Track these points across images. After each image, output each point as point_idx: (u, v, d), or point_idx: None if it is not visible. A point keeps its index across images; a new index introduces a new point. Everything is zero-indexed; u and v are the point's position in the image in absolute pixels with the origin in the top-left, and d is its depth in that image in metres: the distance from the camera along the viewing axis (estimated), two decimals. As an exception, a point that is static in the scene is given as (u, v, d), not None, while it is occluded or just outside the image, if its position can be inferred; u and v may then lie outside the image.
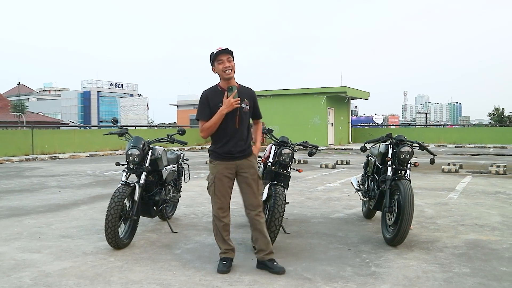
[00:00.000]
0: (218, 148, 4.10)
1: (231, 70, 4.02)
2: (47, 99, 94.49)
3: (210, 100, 4.07)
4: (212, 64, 4.09)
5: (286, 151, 4.98)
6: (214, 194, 4.12)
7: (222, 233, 4.14)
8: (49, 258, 4.44)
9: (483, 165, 14.09)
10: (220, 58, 4.01)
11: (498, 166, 12.41)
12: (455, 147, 25.09)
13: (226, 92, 4.01)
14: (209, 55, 4.10)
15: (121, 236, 4.72)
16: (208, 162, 4.28)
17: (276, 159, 5.01)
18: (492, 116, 64.78)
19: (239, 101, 4.00)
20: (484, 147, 24.47)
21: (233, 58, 4.07)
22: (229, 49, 4.03)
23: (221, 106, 3.99)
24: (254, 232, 4.21)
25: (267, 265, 4.06)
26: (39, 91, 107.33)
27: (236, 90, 3.99)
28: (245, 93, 4.14)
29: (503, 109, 65.13)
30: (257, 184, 4.16)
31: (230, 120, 4.04)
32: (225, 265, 4.04)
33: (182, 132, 5.45)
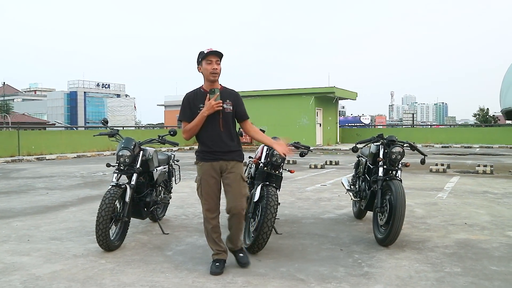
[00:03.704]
0: (203, 149, 4.12)
1: (217, 74, 4.03)
2: (33, 99, 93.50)
3: (191, 102, 4.09)
4: (199, 63, 4.07)
5: (277, 151, 4.96)
6: (201, 196, 4.12)
7: (212, 235, 4.13)
8: (38, 261, 4.38)
9: (470, 165, 14.23)
10: (210, 58, 4.00)
11: (485, 165, 12.55)
12: (442, 147, 25.33)
13: (208, 94, 3.99)
14: (198, 54, 4.07)
15: (112, 238, 4.68)
16: (195, 163, 4.27)
17: (268, 159, 5.00)
18: (477, 116, 65.59)
19: (221, 104, 3.99)
20: (470, 147, 24.74)
21: (220, 62, 4.06)
22: (221, 52, 4.02)
23: (202, 108, 3.99)
24: (230, 227, 4.21)
25: (235, 256, 4.24)
26: (25, 91, 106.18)
27: (218, 93, 3.96)
28: (228, 93, 4.13)
29: (488, 109, 66.06)
30: (239, 185, 4.10)
31: (213, 122, 4.04)
32: (218, 267, 4.02)
33: (174, 133, 5.44)
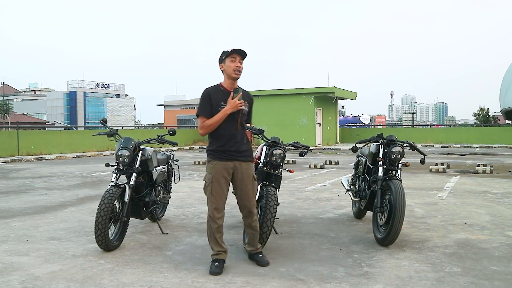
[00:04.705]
0: (218, 148, 4.13)
1: (240, 71, 4.11)
2: (32, 99, 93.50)
3: (212, 98, 4.10)
4: (222, 61, 4.12)
5: (277, 151, 4.97)
6: (211, 195, 4.12)
7: (216, 235, 4.12)
8: (37, 261, 4.37)
9: (470, 165, 14.22)
10: (234, 56, 4.07)
11: (485, 165, 12.54)
12: (442, 147, 25.33)
13: (232, 93, 4.05)
14: (221, 52, 4.13)
15: (111, 238, 4.67)
16: (206, 162, 4.25)
17: (268, 159, 4.99)
18: (477, 116, 65.58)
19: (243, 103, 4.09)
20: (470, 147, 24.73)
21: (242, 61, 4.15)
22: (245, 52, 4.10)
23: (224, 105, 4.04)
24: (246, 229, 4.36)
25: (254, 258, 4.28)
26: (24, 91, 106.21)
27: (241, 92, 4.06)
28: (244, 95, 4.20)
29: (488, 109, 65.99)
30: (252, 185, 4.21)
31: (231, 121, 4.09)
32: (218, 267, 4.01)
33: (173, 133, 5.43)
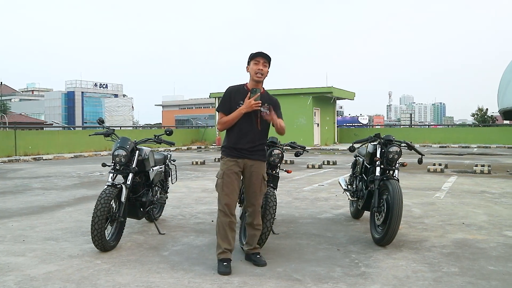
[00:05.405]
0: (230, 145, 4.20)
1: (262, 74, 4.16)
2: (30, 99, 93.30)
3: (232, 97, 4.21)
4: (248, 63, 4.21)
5: (275, 151, 4.96)
6: (222, 190, 4.15)
7: (227, 230, 4.11)
8: (33, 262, 4.35)
9: (468, 165, 14.24)
10: (258, 59, 4.16)
11: (483, 165, 12.54)
12: (440, 147, 25.35)
13: (249, 92, 4.12)
14: (248, 55, 4.24)
15: (108, 238, 4.64)
16: (220, 158, 4.32)
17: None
18: (475, 116, 65.59)
19: (260, 104, 4.11)
20: (468, 147, 24.76)
21: (269, 65, 4.20)
22: (269, 55, 4.17)
23: (241, 104, 4.13)
24: (248, 228, 4.36)
25: (251, 258, 4.28)
26: (22, 91, 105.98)
27: (259, 93, 4.10)
28: (267, 99, 4.25)
29: (487, 109, 65.99)
30: (260, 184, 4.25)
31: (247, 121, 4.15)
32: (227, 266, 4.01)
33: (170, 133, 5.41)
